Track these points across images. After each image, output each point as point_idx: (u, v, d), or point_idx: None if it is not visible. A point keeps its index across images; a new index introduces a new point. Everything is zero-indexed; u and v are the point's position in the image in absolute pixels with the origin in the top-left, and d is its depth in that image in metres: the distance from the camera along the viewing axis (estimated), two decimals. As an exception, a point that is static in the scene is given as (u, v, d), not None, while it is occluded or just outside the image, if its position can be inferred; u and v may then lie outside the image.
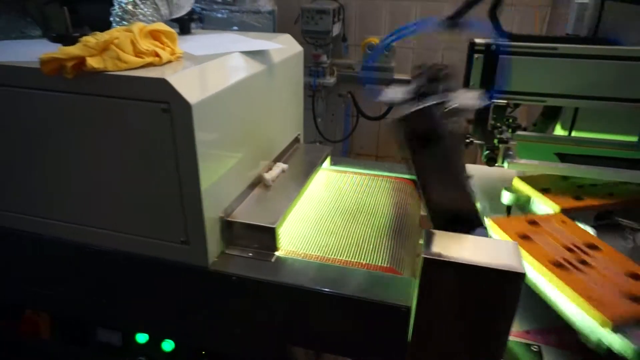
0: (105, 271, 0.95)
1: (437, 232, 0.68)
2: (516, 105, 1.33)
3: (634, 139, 1.35)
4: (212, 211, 0.84)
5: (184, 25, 1.17)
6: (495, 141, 1.16)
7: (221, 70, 0.88)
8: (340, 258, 0.91)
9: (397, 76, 2.60)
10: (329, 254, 0.92)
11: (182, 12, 1.07)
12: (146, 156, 0.79)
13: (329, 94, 2.82)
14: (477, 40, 1.30)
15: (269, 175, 1.05)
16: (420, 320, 0.69)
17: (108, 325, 1.07)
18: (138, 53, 0.77)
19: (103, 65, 0.73)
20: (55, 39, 0.83)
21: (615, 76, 1.22)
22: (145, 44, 0.78)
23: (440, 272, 0.62)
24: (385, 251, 0.93)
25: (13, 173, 0.90)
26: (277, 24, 2.63)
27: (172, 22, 1.09)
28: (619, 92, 1.25)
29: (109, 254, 0.91)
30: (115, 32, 0.78)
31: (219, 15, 2.39)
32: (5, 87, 0.81)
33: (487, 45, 1.27)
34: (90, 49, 0.73)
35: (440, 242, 0.66)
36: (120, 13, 0.99)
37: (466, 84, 1.37)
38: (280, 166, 1.12)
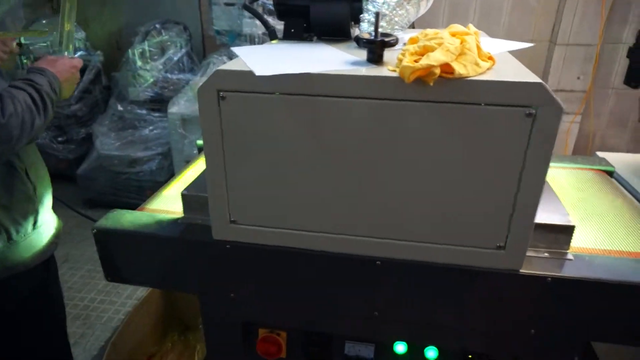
0: (392, 283, 0.92)
1: None
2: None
3: None
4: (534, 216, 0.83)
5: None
6: None
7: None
8: (631, 250, 0.91)
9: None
10: (617, 248, 0.92)
11: (422, 12, 1.04)
12: (494, 164, 0.77)
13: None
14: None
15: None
16: None
17: (361, 338, 1.04)
18: (482, 57, 0.75)
19: (465, 71, 0.71)
20: (366, 44, 0.80)
21: None
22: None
23: None
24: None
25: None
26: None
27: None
28: None
29: (402, 265, 0.89)
30: (450, 35, 0.76)
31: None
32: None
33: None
34: (452, 54, 0.71)
35: None
36: (368, 17, 0.95)
37: None
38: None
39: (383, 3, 0.95)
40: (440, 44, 0.73)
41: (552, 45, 2.87)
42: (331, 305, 0.97)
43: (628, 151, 2.35)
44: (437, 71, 0.70)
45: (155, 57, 3.22)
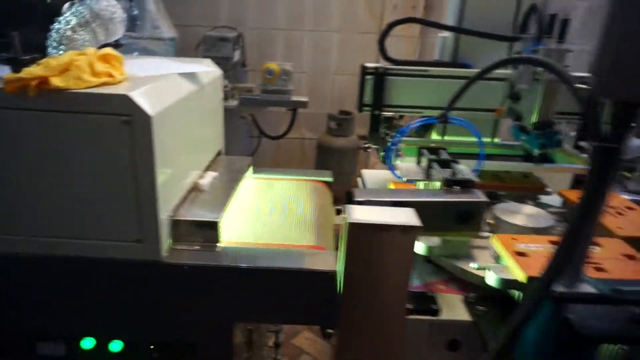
0: (50, 279, 1.00)
1: (355, 206, 0.90)
2: (401, 117, 1.63)
3: (488, 140, 1.72)
4: (164, 211, 0.97)
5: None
6: (388, 144, 1.42)
7: (167, 88, 1.01)
8: (274, 242, 1.08)
9: (294, 98, 2.84)
10: (264, 241, 1.09)
11: (115, 38, 1.17)
12: (107, 166, 0.89)
13: (231, 116, 2.97)
14: (368, 65, 1.59)
15: (203, 181, 1.19)
16: (349, 278, 0.89)
17: (51, 337, 1.10)
18: (95, 73, 0.88)
19: (66, 84, 0.83)
20: (6, 62, 0.90)
21: (470, 91, 1.58)
22: (100, 66, 0.89)
23: (359, 232, 0.84)
24: (309, 235, 1.12)
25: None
26: (177, 50, 2.73)
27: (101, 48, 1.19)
28: (475, 104, 1.62)
29: (56, 260, 0.97)
30: (73, 55, 0.88)
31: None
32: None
33: (376, 69, 1.56)
34: (52, 69, 0.83)
35: (358, 212, 0.87)
36: (57, 39, 1.07)
37: (360, 102, 1.65)
38: (211, 174, 1.26)
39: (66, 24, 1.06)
40: (67, 62, 0.85)
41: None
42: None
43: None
44: (33, 83, 0.81)
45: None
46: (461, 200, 0.96)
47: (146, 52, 2.51)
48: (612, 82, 0.57)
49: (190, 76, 1.15)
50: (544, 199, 1.54)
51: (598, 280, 0.78)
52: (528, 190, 1.49)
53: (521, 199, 1.45)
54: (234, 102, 2.80)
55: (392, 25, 1.54)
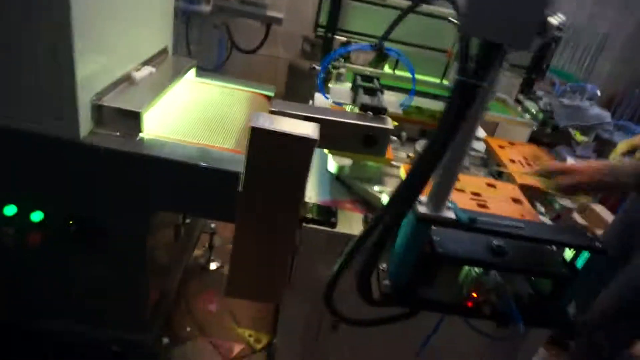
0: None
1: (263, 114, 0.95)
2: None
3: (437, 80, 1.76)
4: (85, 93, 1.00)
5: None
6: (331, 67, 1.45)
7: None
8: (194, 141, 1.13)
9: (269, 13, 2.78)
10: (187, 138, 1.14)
11: None
12: (28, 38, 0.91)
13: (202, 22, 2.89)
14: (327, -16, 1.56)
15: (137, 74, 1.22)
16: (248, 179, 0.96)
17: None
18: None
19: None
20: None
21: (424, 29, 1.59)
22: None
23: (259, 137, 0.89)
24: (231, 139, 1.18)
25: None
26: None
27: None
28: (427, 42, 1.64)
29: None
30: None
31: None
32: None
33: (333, -11, 1.54)
34: None
35: (263, 120, 0.92)
36: None
37: (316, 23, 1.65)
38: (148, 69, 1.28)
39: None
40: None
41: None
42: None
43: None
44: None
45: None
46: (366, 124, 1.02)
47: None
48: (474, 21, 0.61)
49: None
50: (474, 144, 1.62)
51: (460, 209, 0.87)
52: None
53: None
54: (206, 8, 2.72)
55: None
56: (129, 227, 1.14)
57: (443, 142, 0.70)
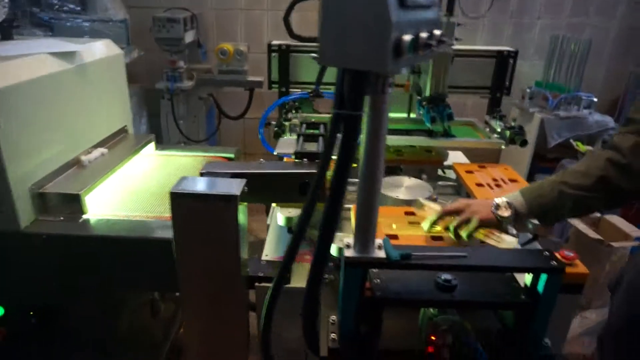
0: None
1: (188, 177, 0.93)
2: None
3: (404, 115, 1.73)
4: (20, 184, 1.02)
5: (5, 31, 1.32)
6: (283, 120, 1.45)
7: (25, 67, 1.05)
8: (137, 214, 1.12)
9: (250, 78, 2.86)
10: (132, 212, 1.13)
11: (-4, 19, 1.22)
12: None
13: (188, 97, 3.01)
14: (273, 42, 1.60)
15: (85, 158, 1.24)
16: (179, 246, 0.93)
17: None
18: None
19: None
20: None
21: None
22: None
23: (179, 201, 0.87)
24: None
25: None
26: (131, 33, 2.76)
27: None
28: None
29: None
30: None
31: (68, 24, 2.48)
32: None
33: (280, 46, 1.57)
34: None
35: (185, 182, 0.90)
36: None
37: (269, 80, 1.67)
38: (100, 150, 1.30)
39: None
40: None
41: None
42: None
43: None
44: None
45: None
46: (299, 171, 0.99)
47: (97, 34, 2.54)
48: (328, 50, 0.59)
49: (66, 56, 1.18)
50: (448, 172, 1.56)
51: (394, 245, 0.80)
52: (428, 164, 1.51)
53: (419, 173, 1.47)
54: (189, 83, 2.83)
55: (295, 2, 1.55)
56: (88, 309, 1.12)
57: (338, 180, 0.67)
